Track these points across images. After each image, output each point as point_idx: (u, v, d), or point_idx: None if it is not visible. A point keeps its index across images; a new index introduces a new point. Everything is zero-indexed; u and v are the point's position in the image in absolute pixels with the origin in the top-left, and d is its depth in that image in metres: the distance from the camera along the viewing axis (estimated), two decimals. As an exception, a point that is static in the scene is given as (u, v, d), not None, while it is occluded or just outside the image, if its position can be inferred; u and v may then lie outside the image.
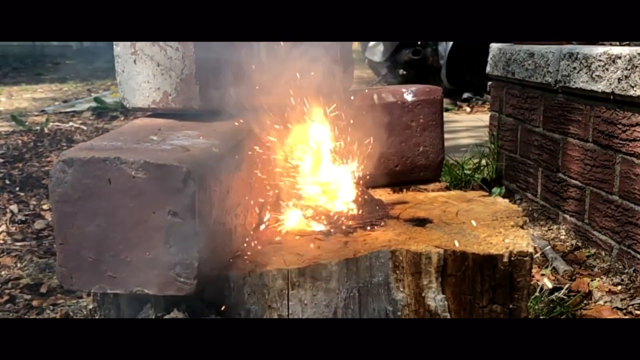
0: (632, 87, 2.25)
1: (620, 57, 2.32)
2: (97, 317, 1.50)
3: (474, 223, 1.64)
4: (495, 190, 3.29)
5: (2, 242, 2.87)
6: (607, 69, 2.37)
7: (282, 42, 1.71)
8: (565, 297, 2.20)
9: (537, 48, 2.97)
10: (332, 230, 1.63)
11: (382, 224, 1.67)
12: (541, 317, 2.06)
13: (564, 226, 2.80)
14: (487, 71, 3.58)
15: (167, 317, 1.31)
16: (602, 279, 2.35)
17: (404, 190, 2.03)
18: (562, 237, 2.73)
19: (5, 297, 2.30)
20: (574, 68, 2.59)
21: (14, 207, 3.33)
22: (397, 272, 1.46)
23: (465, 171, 3.46)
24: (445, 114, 2.46)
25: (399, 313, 1.47)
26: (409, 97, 2.09)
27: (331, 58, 1.93)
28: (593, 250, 2.56)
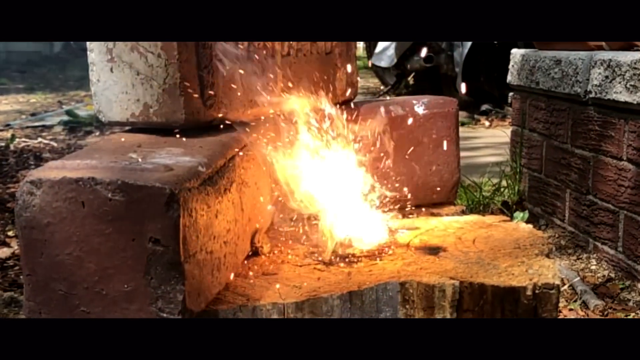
0: (671, 98, 2.26)
1: (657, 65, 2.33)
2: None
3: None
4: (518, 214, 3.29)
5: (-39, 273, 2.87)
6: (642, 78, 2.39)
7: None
8: (597, 335, 2.20)
9: (564, 54, 2.98)
10: (333, 259, 1.63)
11: (390, 252, 1.68)
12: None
13: (595, 255, 2.80)
14: (508, 80, 3.59)
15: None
16: (637, 314, 2.35)
17: (415, 214, 2.03)
18: (593, 267, 2.73)
19: (-35, 336, 2.30)
20: (606, 77, 2.60)
21: (-26, 234, 3.33)
22: (407, 306, 1.47)
23: (484, 193, 3.47)
24: (461, 128, 2.47)
25: (409, 353, 1.47)
26: (420, 110, 2.10)
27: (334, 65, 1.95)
28: (627, 282, 2.56)
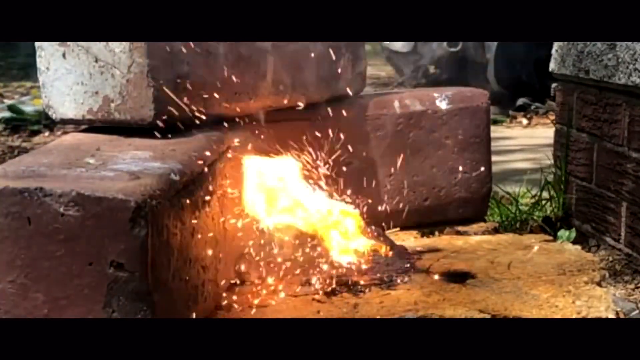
0: None
1: None
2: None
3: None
4: (563, 233, 3.28)
5: None
6: None
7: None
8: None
9: (619, 37, 2.98)
10: (336, 288, 1.63)
11: (406, 279, 1.68)
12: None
13: (658, 283, 2.80)
14: (550, 68, 3.59)
15: None
16: None
17: (437, 232, 2.03)
18: (656, 298, 2.73)
19: None
20: (671, 64, 2.60)
21: None
22: (427, 346, 1.47)
23: (521, 207, 3.46)
24: (492, 127, 2.46)
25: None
26: (442, 105, 2.10)
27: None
28: (698, 317, 2.55)
